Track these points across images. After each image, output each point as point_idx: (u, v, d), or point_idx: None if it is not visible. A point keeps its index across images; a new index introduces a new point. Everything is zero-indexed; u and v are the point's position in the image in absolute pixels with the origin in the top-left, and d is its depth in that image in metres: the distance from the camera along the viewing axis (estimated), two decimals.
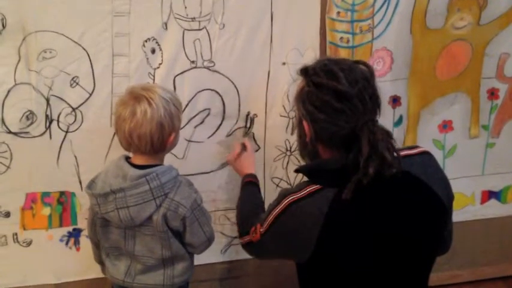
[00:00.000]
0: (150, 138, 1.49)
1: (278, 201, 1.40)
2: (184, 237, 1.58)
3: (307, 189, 1.35)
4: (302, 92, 1.39)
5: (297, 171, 1.44)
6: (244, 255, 2.11)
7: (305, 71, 1.39)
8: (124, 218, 1.49)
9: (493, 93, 2.19)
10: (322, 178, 1.35)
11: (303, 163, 1.54)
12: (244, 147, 1.92)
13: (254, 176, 1.82)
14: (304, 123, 1.38)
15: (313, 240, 1.31)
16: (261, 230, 1.44)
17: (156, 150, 1.53)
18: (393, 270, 1.36)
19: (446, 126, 2.19)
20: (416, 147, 1.46)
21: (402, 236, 1.33)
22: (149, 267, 1.59)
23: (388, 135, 1.31)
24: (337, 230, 1.31)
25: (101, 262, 1.72)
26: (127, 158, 1.57)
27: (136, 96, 1.51)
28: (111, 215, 1.51)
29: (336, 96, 1.30)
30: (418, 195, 1.36)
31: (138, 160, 1.55)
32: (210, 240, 1.64)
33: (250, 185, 1.78)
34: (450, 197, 1.43)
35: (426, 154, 1.44)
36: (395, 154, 1.30)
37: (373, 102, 1.34)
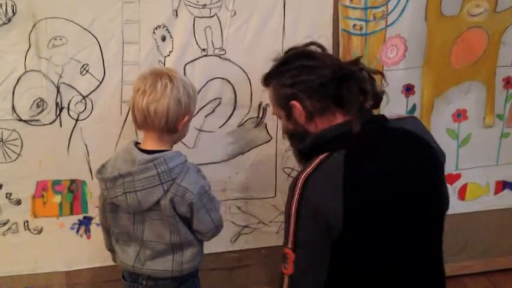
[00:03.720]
0: (166, 113, 1.49)
1: (292, 190, 1.34)
2: (192, 224, 1.58)
3: (316, 161, 1.34)
4: (275, 86, 1.48)
5: (300, 151, 1.47)
6: (254, 244, 2.13)
7: (265, 76, 1.52)
8: (131, 202, 1.50)
9: (508, 82, 2.16)
10: (328, 146, 1.36)
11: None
12: None
13: None
14: (294, 104, 1.42)
15: (341, 201, 1.28)
16: (289, 245, 1.34)
17: (170, 128, 1.53)
18: (417, 230, 1.37)
19: (460, 115, 2.16)
20: (403, 116, 1.57)
21: (419, 189, 1.37)
22: (158, 252, 1.59)
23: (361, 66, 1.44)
24: (359, 186, 1.31)
25: (111, 249, 1.73)
26: (136, 144, 1.57)
27: (157, 72, 1.54)
28: (120, 199, 1.51)
29: (305, 57, 1.44)
30: (421, 148, 1.42)
31: (148, 144, 1.54)
32: (218, 228, 1.63)
33: None
34: (443, 153, 1.52)
35: (415, 117, 1.57)
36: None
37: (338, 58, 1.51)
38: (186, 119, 1.54)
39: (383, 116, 1.46)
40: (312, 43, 1.52)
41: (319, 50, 1.49)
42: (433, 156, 1.44)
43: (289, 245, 1.34)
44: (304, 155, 1.45)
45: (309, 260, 1.35)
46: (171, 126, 1.52)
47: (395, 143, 1.40)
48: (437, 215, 1.44)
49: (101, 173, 1.57)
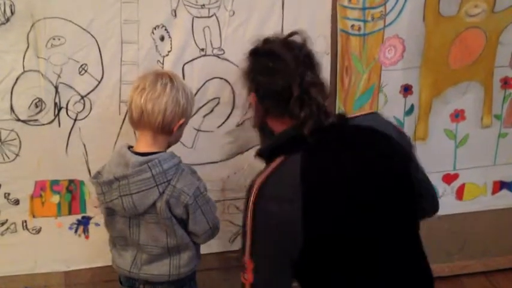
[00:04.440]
0: (163, 112, 1.49)
1: (248, 196, 1.34)
2: (188, 225, 1.57)
3: (272, 165, 1.34)
4: (243, 71, 1.50)
5: (258, 155, 1.45)
6: None
7: (248, 53, 1.51)
8: (127, 205, 1.49)
9: (506, 82, 2.16)
10: (284, 149, 1.36)
11: None
12: None
13: None
14: (252, 97, 1.46)
15: (299, 210, 1.27)
16: (247, 256, 1.34)
17: (165, 128, 1.52)
18: (383, 226, 1.35)
19: (458, 115, 2.16)
20: (363, 113, 1.54)
21: (380, 184, 1.35)
22: (154, 256, 1.59)
23: (321, 84, 1.40)
24: (316, 189, 1.30)
25: None
26: (129, 147, 1.56)
27: (159, 72, 1.56)
28: (115, 202, 1.51)
29: (270, 57, 1.40)
30: (382, 142, 1.40)
31: (141, 146, 1.54)
32: (213, 229, 1.62)
33: None
34: (409, 142, 1.50)
35: (374, 113, 1.56)
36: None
37: (310, 59, 1.42)
38: (182, 121, 1.54)
39: (342, 116, 1.46)
40: (293, 33, 1.48)
41: (298, 38, 1.46)
42: (395, 148, 1.42)
43: (247, 256, 1.35)
44: (264, 157, 1.44)
45: (268, 269, 1.35)
46: (166, 126, 1.52)
47: (353, 142, 1.39)
48: (408, 207, 1.42)
49: (96, 178, 1.56)
